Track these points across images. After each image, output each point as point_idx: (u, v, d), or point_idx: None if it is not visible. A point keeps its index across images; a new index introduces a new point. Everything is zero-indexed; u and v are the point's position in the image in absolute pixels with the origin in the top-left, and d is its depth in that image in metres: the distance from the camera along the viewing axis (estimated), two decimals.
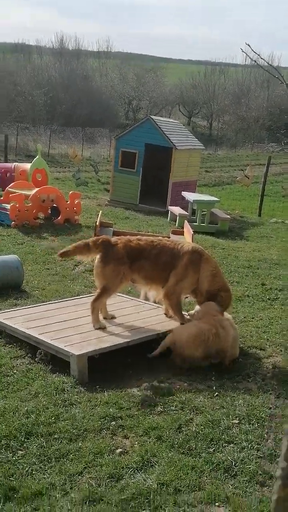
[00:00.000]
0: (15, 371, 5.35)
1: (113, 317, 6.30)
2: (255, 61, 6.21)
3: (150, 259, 6.14)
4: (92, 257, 6.25)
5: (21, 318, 6.17)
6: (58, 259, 7.04)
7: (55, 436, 4.24)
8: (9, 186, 13.16)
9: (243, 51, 5.76)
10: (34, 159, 14.48)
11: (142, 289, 6.76)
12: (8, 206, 11.93)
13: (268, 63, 6.73)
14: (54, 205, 12.80)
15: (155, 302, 6.80)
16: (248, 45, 5.82)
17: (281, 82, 5.81)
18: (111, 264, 6.00)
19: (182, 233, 11.24)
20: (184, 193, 15.87)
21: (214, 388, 5.13)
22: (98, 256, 6.10)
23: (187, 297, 6.94)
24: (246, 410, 4.70)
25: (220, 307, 6.05)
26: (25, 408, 4.58)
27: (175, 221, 14.21)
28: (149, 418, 4.54)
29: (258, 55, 5.78)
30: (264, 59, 6.27)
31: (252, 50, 5.53)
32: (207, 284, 6.14)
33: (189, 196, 15.30)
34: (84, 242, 6.22)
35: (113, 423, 4.46)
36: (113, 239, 6.34)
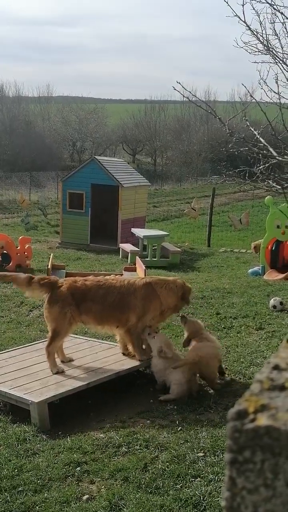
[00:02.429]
0: None
1: (70, 360, 6.24)
2: (188, 98, 6.43)
3: (96, 300, 6.08)
4: (34, 295, 6.16)
5: None
6: None
7: (20, 488, 4.14)
8: None
9: (175, 89, 5.96)
10: None
11: (95, 330, 6.59)
12: None
13: (199, 99, 6.98)
14: (4, 251, 12.70)
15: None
16: (179, 83, 6.05)
17: (215, 116, 6.03)
18: (57, 306, 5.95)
19: (134, 270, 11.32)
20: (134, 230, 16.05)
21: (177, 422, 5.13)
22: (46, 298, 6.05)
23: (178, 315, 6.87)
24: (210, 442, 4.71)
25: (187, 303, 6.54)
26: None
27: (127, 258, 14.30)
28: (114, 460, 4.50)
29: (190, 92, 5.99)
30: (196, 96, 6.51)
31: (184, 88, 5.74)
32: (170, 300, 6.24)
33: (139, 232, 15.48)
34: (28, 275, 6.14)
35: (78, 468, 4.39)
36: (60, 280, 6.29)
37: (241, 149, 6.18)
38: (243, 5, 6.04)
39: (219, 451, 4.55)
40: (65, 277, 9.45)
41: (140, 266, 10.93)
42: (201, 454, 4.53)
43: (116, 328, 6.27)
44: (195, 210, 21.50)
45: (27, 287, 6.05)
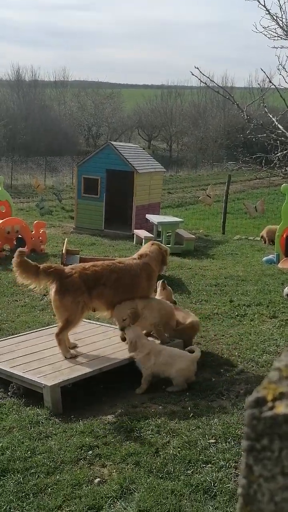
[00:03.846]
0: None
1: (75, 346, 6.23)
2: (206, 84, 6.36)
3: (109, 285, 6.10)
4: (40, 285, 6.02)
5: None
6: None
7: (32, 470, 4.18)
8: None
9: (193, 75, 5.89)
10: None
11: (103, 315, 6.57)
12: None
13: (217, 84, 6.91)
14: (19, 236, 12.75)
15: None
16: (197, 68, 5.98)
17: (233, 103, 5.97)
18: (69, 295, 5.87)
19: None
20: (148, 216, 16.00)
21: (189, 408, 5.15)
22: (53, 288, 5.92)
23: None
24: (222, 428, 4.72)
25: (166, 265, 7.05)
26: (0, 445, 4.51)
27: (141, 244, 14.29)
28: (126, 445, 4.52)
29: (208, 77, 5.93)
30: (214, 81, 6.45)
31: (202, 73, 5.68)
32: (159, 270, 6.68)
33: (153, 218, 15.43)
34: (35, 264, 6.00)
35: (90, 452, 4.42)
36: (67, 269, 6.18)
37: (259, 135, 6.12)
38: None
39: (230, 438, 4.56)
40: (79, 262, 9.46)
41: None
42: (213, 441, 4.54)
43: None
44: (210, 197, 21.39)
45: (35, 279, 5.93)
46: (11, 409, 5.21)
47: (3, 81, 62.68)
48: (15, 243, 12.89)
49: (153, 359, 5.69)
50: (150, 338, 6.30)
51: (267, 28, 7.72)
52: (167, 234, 14.51)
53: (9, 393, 5.53)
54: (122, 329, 6.12)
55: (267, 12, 7.81)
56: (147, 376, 5.67)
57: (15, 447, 4.48)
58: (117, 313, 6.17)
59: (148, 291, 6.42)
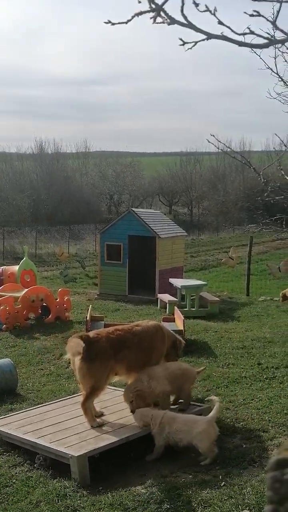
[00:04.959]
0: (14, 481, 5.17)
1: (102, 414, 6.15)
2: (222, 150, 6.54)
3: (132, 347, 6.15)
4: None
5: (16, 424, 6.04)
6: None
7: None
8: None
9: (209, 142, 6.07)
10: (21, 260, 14.68)
11: (123, 379, 6.57)
12: None
13: (233, 150, 7.09)
14: (44, 304, 12.84)
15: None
16: (213, 135, 6.17)
17: (249, 167, 6.10)
18: (97, 361, 5.87)
19: (173, 320, 11.25)
20: (172, 280, 16.03)
21: (220, 477, 4.98)
22: (78, 356, 5.87)
23: None
24: (255, 498, 4.54)
25: None
26: None
27: (166, 308, 14.25)
28: None
29: (224, 144, 6.11)
30: (229, 147, 6.63)
31: (217, 140, 5.85)
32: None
33: (177, 282, 15.45)
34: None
35: None
36: (92, 333, 6.22)
37: (277, 197, 6.21)
38: (275, 58, 6.19)
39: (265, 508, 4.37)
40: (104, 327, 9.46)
41: (178, 316, 10.87)
42: (247, 511, 4.36)
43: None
44: (233, 259, 21.40)
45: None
46: (38, 482, 5.10)
47: (26, 154, 64.99)
48: (40, 311, 12.98)
49: (167, 428, 5.55)
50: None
51: (281, 94, 7.98)
52: (191, 298, 14.47)
53: (35, 464, 5.43)
54: (133, 411, 5.98)
55: (280, 79, 8.10)
56: (159, 447, 5.54)
57: None
58: (125, 396, 6.12)
59: (161, 353, 6.44)
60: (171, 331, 7.07)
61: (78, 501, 4.71)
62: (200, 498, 4.59)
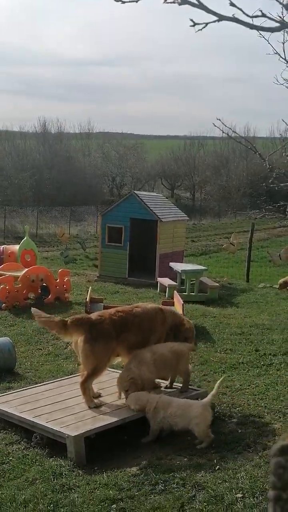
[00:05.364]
0: (10, 458, 5.22)
1: (99, 395, 6.18)
2: (228, 134, 6.49)
3: (133, 329, 6.17)
4: (71, 338, 6.11)
5: (14, 402, 6.07)
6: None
7: None
8: None
9: (215, 126, 6.01)
10: (22, 240, 14.67)
11: (124, 360, 6.49)
12: None
13: (239, 135, 7.03)
14: (44, 284, 12.86)
15: None
16: (219, 119, 6.11)
17: (254, 152, 6.06)
18: (101, 342, 5.88)
19: (172, 304, 11.27)
20: (172, 264, 16.03)
21: (215, 461, 5.02)
22: (82, 338, 5.88)
23: None
24: (249, 482, 4.58)
25: None
26: (23, 497, 4.44)
27: (165, 292, 14.27)
28: (151, 498, 4.41)
29: (230, 128, 6.05)
30: (235, 132, 6.57)
31: (224, 124, 5.79)
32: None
33: (177, 266, 15.45)
34: (61, 320, 6.02)
35: (114, 506, 4.32)
36: (95, 315, 6.22)
37: (281, 184, 6.17)
38: (283, 43, 6.10)
39: (258, 493, 4.42)
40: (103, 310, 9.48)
41: (178, 300, 10.89)
42: (240, 495, 4.40)
43: None
44: (234, 245, 21.39)
45: (64, 333, 5.99)
46: (34, 460, 5.14)
47: (30, 133, 64.63)
48: (40, 291, 13.00)
49: (162, 412, 5.57)
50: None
51: None
52: (191, 282, 14.48)
53: (32, 443, 5.47)
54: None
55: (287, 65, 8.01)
56: (155, 431, 5.57)
57: (38, 499, 4.41)
58: (119, 385, 6.10)
59: (160, 336, 6.41)
60: (180, 314, 7.10)
61: (74, 480, 4.76)
62: (194, 481, 4.63)
